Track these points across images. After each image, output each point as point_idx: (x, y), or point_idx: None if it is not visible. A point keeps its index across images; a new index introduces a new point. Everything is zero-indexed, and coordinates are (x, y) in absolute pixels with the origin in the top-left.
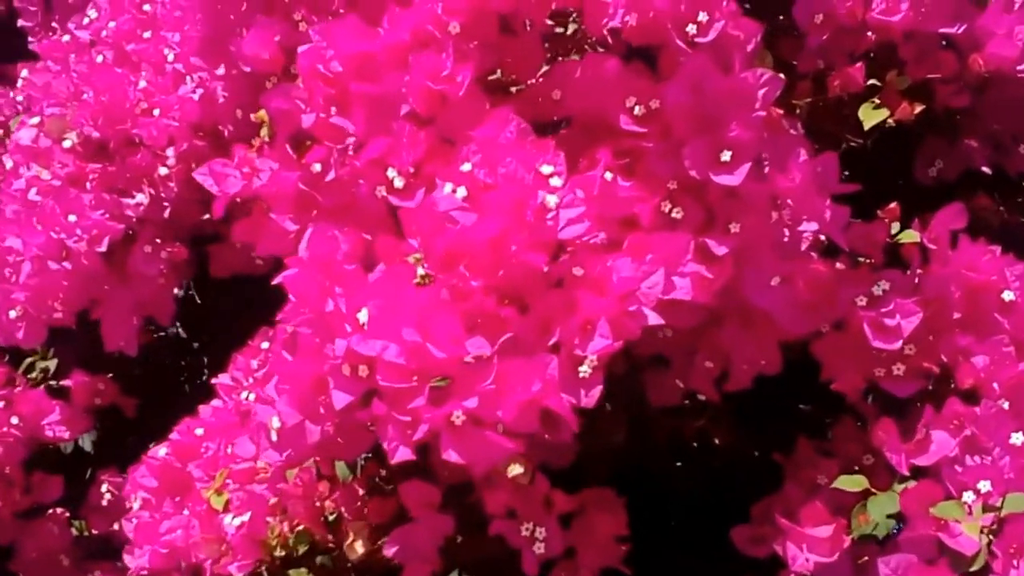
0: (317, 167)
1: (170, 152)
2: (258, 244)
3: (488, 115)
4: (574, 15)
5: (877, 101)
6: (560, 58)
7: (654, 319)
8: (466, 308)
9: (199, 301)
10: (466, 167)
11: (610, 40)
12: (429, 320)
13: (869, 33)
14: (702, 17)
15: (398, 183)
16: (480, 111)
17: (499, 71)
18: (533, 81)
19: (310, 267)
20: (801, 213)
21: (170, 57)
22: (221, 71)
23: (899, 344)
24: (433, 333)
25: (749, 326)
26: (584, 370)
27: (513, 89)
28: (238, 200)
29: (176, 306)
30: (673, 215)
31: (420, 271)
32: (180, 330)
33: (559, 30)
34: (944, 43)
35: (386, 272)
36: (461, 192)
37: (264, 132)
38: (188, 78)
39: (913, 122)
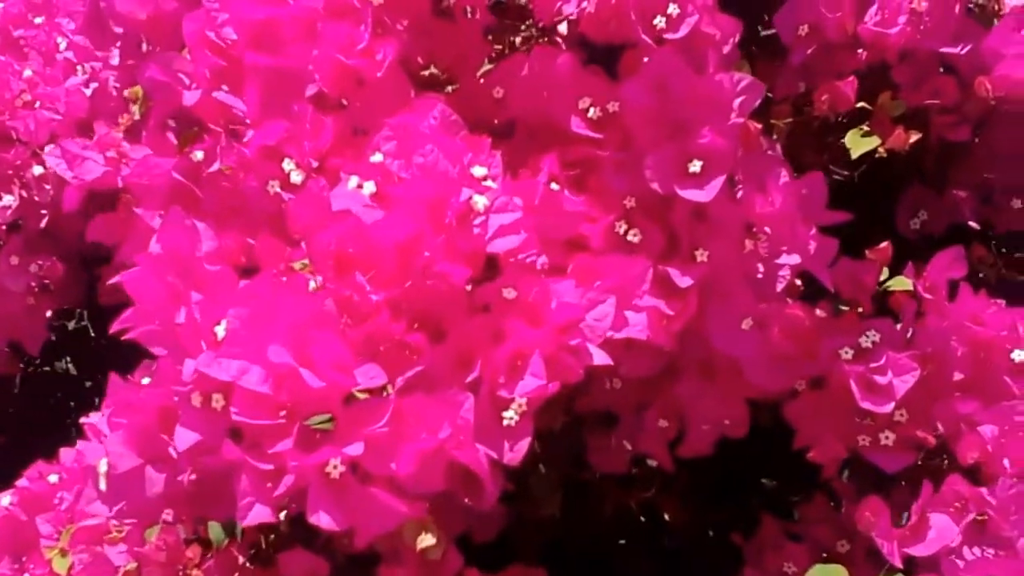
0: (198, 155)
1: (48, 150)
2: (121, 247)
3: (411, 102)
4: (524, 3)
5: (866, 128)
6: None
7: (600, 358)
8: (361, 328)
9: (93, 334)
10: (377, 157)
11: (563, 38)
12: (307, 338)
13: (860, 51)
14: (672, 10)
15: (295, 177)
16: (402, 97)
17: (431, 66)
18: (472, 79)
19: (160, 265)
20: (780, 243)
21: (62, 45)
22: (115, 59)
23: (891, 406)
24: (312, 355)
25: (712, 378)
26: (510, 416)
27: (449, 88)
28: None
29: (66, 339)
30: (629, 238)
31: (312, 284)
32: (71, 366)
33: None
34: (943, 67)
35: (259, 276)
36: (368, 187)
37: (136, 109)
38: (79, 68)
39: (900, 161)
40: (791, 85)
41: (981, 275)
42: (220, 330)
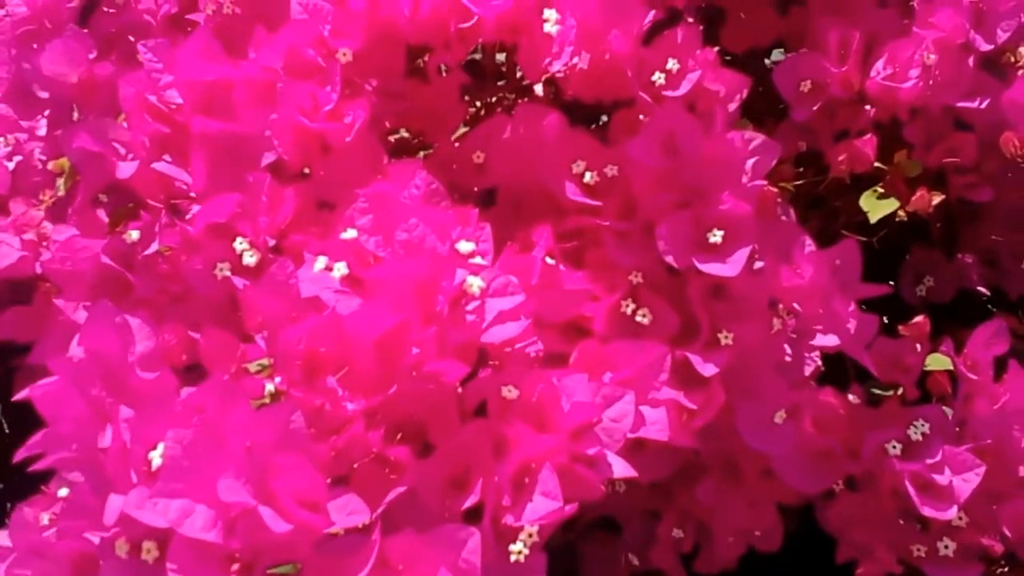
0: (133, 235)
1: None
2: (37, 346)
3: (386, 170)
4: (502, 63)
5: (881, 189)
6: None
7: (622, 469)
8: (331, 441)
9: (7, 430)
10: (350, 234)
11: (540, 98)
12: (268, 465)
13: (867, 107)
14: (672, 65)
15: (249, 259)
16: (374, 163)
17: (401, 130)
18: (447, 143)
19: (82, 373)
20: (813, 322)
21: None
22: (42, 130)
23: (954, 511)
24: (274, 487)
25: (737, 479)
26: (518, 550)
27: (421, 153)
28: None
29: None
30: (638, 319)
31: (269, 387)
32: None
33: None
34: (956, 122)
35: (206, 384)
36: (340, 269)
37: (61, 184)
38: (1, 140)
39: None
40: (792, 144)
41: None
42: (156, 456)
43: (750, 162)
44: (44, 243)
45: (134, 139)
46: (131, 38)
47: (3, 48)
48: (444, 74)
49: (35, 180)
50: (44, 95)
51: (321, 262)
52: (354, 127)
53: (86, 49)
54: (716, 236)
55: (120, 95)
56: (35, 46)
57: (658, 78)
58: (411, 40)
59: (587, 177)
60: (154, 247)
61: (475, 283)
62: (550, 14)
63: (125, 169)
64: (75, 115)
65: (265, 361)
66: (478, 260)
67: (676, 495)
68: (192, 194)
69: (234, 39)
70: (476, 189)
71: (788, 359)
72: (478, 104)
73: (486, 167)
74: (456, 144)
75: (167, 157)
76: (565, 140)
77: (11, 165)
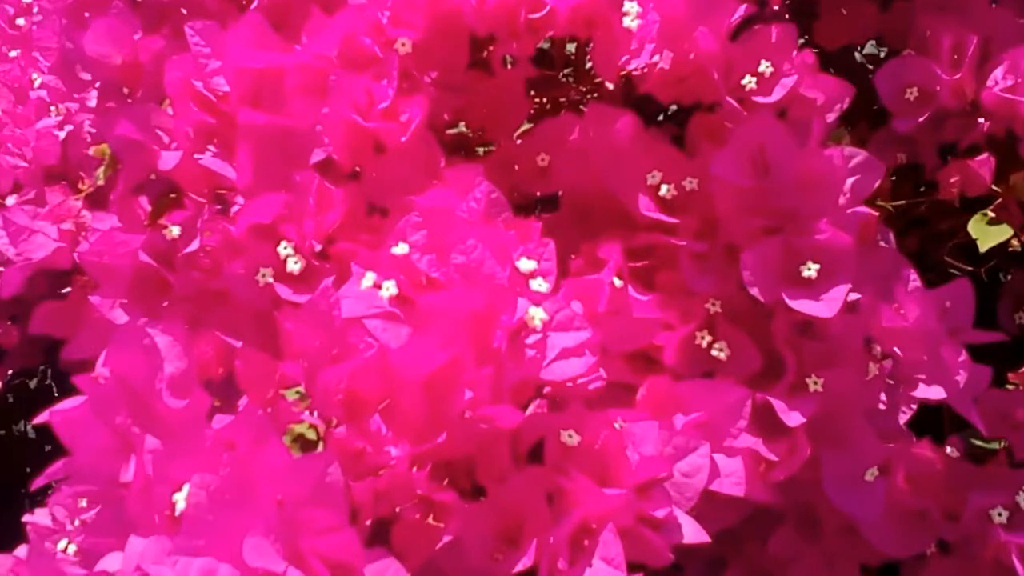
0: (174, 231)
1: (11, 201)
2: (71, 343)
3: (443, 175)
4: (572, 53)
5: (991, 213)
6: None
7: (694, 534)
8: (375, 484)
9: (57, 394)
10: (401, 248)
11: (621, 89)
12: (300, 521)
13: (981, 120)
14: (765, 68)
15: (293, 265)
16: (431, 167)
17: (460, 124)
18: (509, 141)
19: (106, 400)
20: (915, 369)
21: (37, 82)
22: (92, 102)
23: None
24: (304, 547)
25: (816, 533)
26: None
27: (480, 150)
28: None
29: (26, 398)
30: (714, 352)
31: (304, 424)
32: (29, 428)
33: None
34: None
35: (239, 417)
36: (389, 288)
37: (101, 173)
38: (53, 109)
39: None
40: (890, 155)
41: None
42: (180, 500)
43: (850, 181)
44: (83, 233)
45: (178, 128)
46: (183, 11)
47: (54, 16)
48: (509, 66)
49: (84, 153)
50: (87, 76)
51: (369, 279)
52: (411, 127)
53: (131, 29)
54: (810, 270)
55: (165, 80)
56: (87, 15)
57: (748, 82)
58: (476, 31)
59: (663, 190)
60: (195, 245)
61: (537, 315)
62: (631, 7)
63: (168, 160)
64: (125, 91)
65: (302, 388)
66: (540, 282)
67: (745, 543)
68: (236, 190)
69: (289, 18)
70: (538, 194)
71: (883, 408)
72: (543, 100)
73: (550, 171)
74: (518, 142)
75: (212, 147)
76: (640, 146)
77: (62, 134)
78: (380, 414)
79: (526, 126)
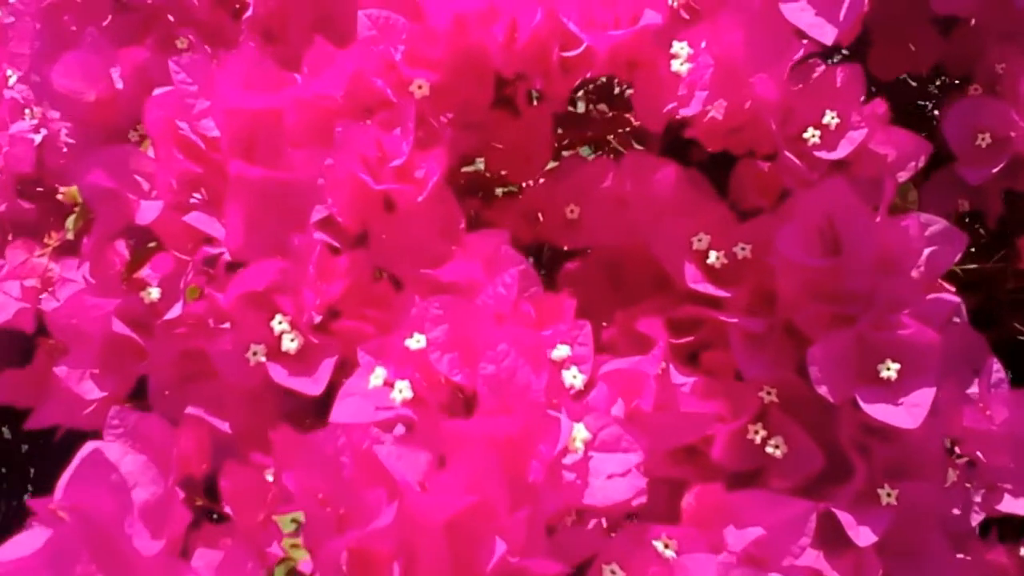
0: (153, 294)
1: None
2: (36, 414)
3: (463, 239)
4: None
5: None
6: (572, 150)
7: None
8: None
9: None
10: (417, 341)
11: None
12: None
13: None
14: (830, 119)
15: (289, 343)
16: (450, 230)
17: (477, 161)
18: (534, 185)
19: (62, 543)
20: (999, 477)
21: (11, 80)
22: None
23: None
24: None
25: None
26: None
27: (499, 190)
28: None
29: None
30: (768, 449)
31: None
32: (5, 430)
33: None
34: None
35: (225, 562)
36: (403, 390)
37: (71, 224)
38: (28, 112)
39: None
40: (950, 202)
41: None
42: None
43: (926, 252)
44: (49, 289)
45: (159, 178)
46: (170, 17)
47: (28, 21)
48: (535, 102)
49: (61, 163)
50: (55, 115)
51: (379, 375)
52: (427, 185)
53: (107, 62)
54: (890, 370)
55: (146, 119)
56: (64, 19)
57: (812, 136)
58: (503, 71)
59: (712, 258)
60: (176, 311)
61: (579, 435)
62: (680, 48)
63: (147, 212)
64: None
65: (300, 516)
66: (575, 374)
67: None
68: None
69: (286, 32)
70: (566, 248)
71: (956, 514)
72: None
73: (580, 224)
74: (542, 184)
75: (197, 195)
76: (684, 203)
77: (37, 138)
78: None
79: (551, 164)
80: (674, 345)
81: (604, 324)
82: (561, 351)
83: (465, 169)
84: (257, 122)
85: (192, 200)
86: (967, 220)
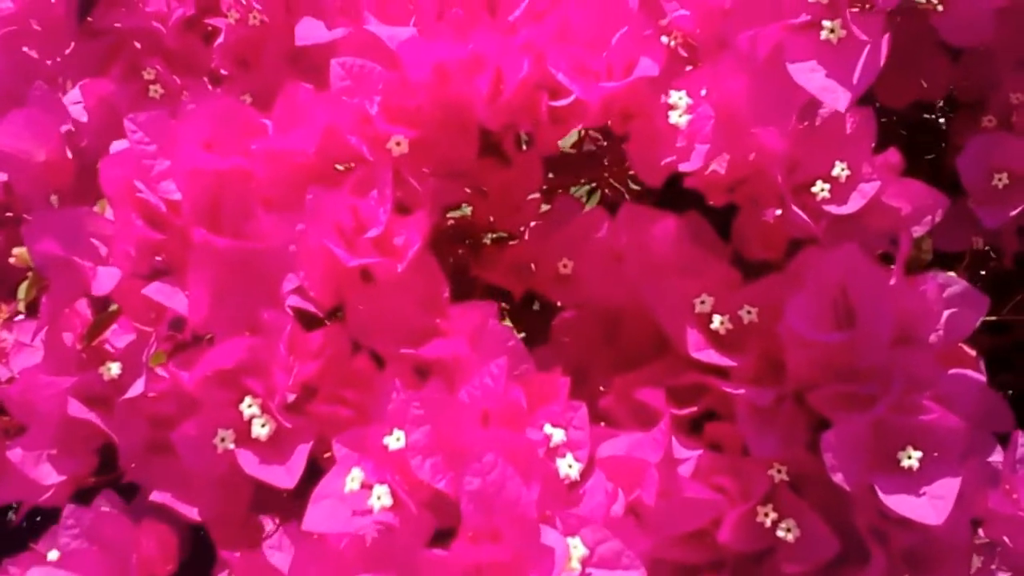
0: (113, 370)
1: None
2: None
3: (449, 313)
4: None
5: None
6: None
7: None
8: None
9: None
10: (396, 440)
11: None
12: None
13: None
14: (840, 170)
15: (259, 429)
16: (434, 301)
17: (463, 206)
18: (524, 234)
19: None
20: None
21: None
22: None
23: None
24: None
25: None
26: None
27: (488, 237)
28: None
29: None
30: (779, 533)
31: None
32: None
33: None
34: None
35: None
36: (381, 496)
37: (22, 292)
38: None
39: None
40: (963, 239)
41: None
42: None
43: (946, 314)
44: (2, 360)
45: (117, 246)
46: (137, 44)
47: None
48: (524, 146)
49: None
50: (1, 177)
51: (356, 478)
52: (408, 254)
53: (57, 119)
54: (911, 459)
55: (101, 178)
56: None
57: (821, 190)
58: (489, 125)
59: (715, 322)
60: (138, 389)
61: (576, 554)
62: (679, 99)
63: (104, 281)
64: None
65: None
66: (570, 462)
67: None
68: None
69: (261, 58)
70: (559, 303)
71: None
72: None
73: (574, 279)
74: (533, 233)
75: (159, 258)
76: (684, 260)
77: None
78: None
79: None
80: (676, 415)
81: (601, 388)
82: (555, 436)
83: (451, 214)
84: (222, 182)
85: (154, 266)
86: (981, 255)
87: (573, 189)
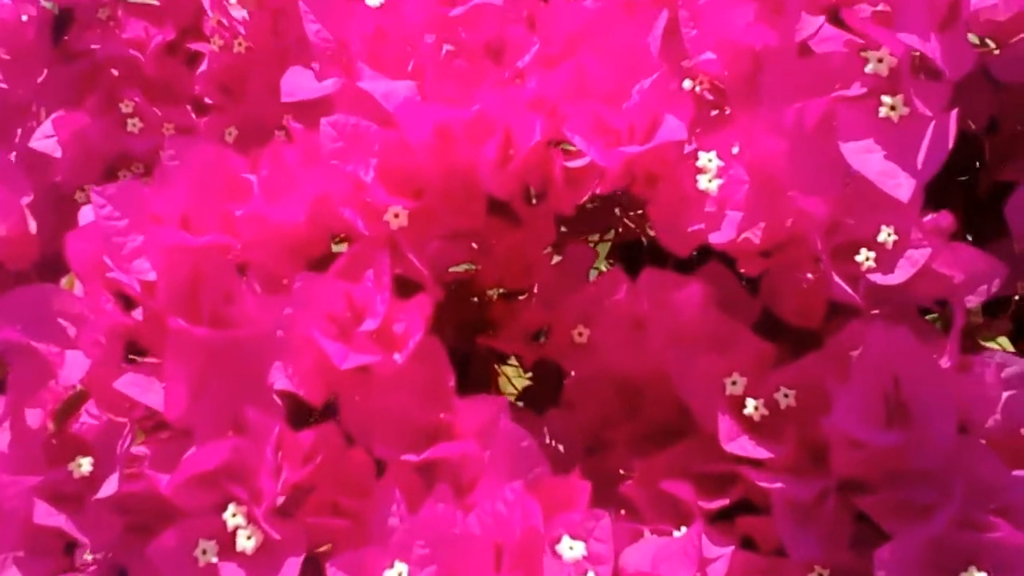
0: (83, 466)
1: None
2: None
3: (454, 403)
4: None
5: None
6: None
7: None
8: None
9: None
10: (397, 574)
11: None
12: None
13: None
14: (886, 236)
15: (245, 541)
16: (438, 393)
17: (469, 264)
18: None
19: None
20: None
21: None
22: None
23: None
24: None
25: None
26: None
27: (494, 292)
28: None
29: None
30: None
31: None
32: None
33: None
34: None
35: None
36: None
37: None
38: None
39: None
40: (1007, 285)
41: None
42: None
43: (1004, 396)
44: None
45: (84, 335)
46: (114, 72)
47: None
48: (534, 200)
49: None
50: None
51: None
52: (409, 343)
53: (19, 192)
54: None
55: (68, 254)
56: None
57: (865, 258)
58: (497, 194)
59: (749, 407)
60: (111, 488)
61: None
62: (708, 162)
63: (72, 369)
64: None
65: None
66: None
67: None
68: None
69: (247, 85)
70: (572, 372)
71: None
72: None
73: (591, 348)
74: (544, 294)
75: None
76: (712, 333)
77: None
78: None
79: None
80: (706, 511)
81: (621, 472)
82: (574, 548)
83: (453, 269)
84: (201, 261)
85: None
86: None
87: None
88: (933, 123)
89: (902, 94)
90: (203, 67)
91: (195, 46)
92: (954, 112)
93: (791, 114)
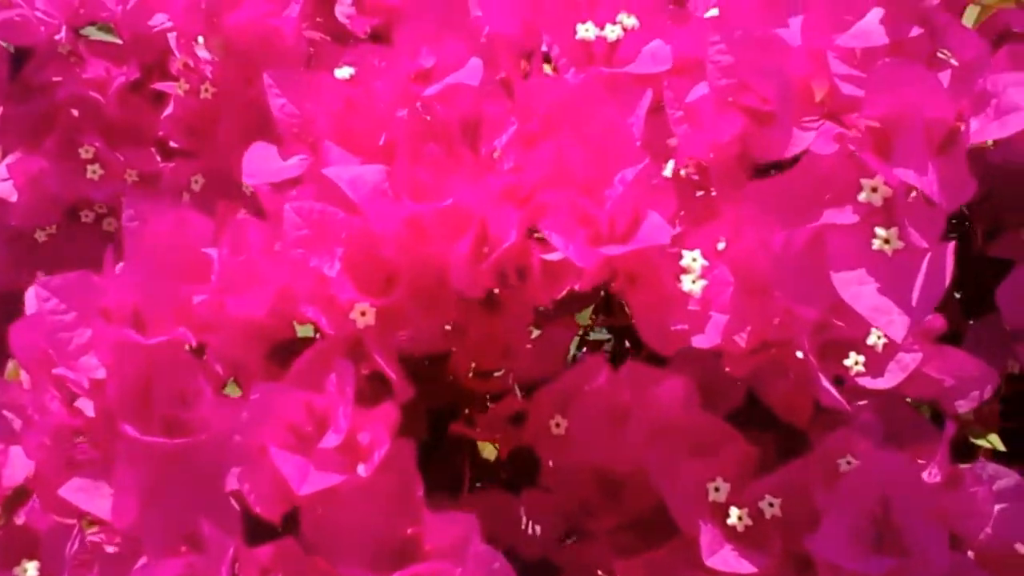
0: (29, 571)
1: None
2: None
3: (425, 519)
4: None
5: None
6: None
7: None
8: None
9: None
10: None
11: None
12: None
13: None
14: (876, 339)
15: None
16: (407, 508)
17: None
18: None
19: None
20: None
21: None
22: None
23: None
24: None
25: None
26: None
27: (471, 370)
28: None
29: None
30: None
31: None
32: None
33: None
34: None
35: None
36: None
37: None
38: None
39: None
40: (998, 362)
41: None
42: None
43: (997, 509)
44: None
45: (30, 438)
46: (74, 112)
47: None
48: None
49: None
50: None
51: None
52: (374, 457)
53: None
54: None
55: (12, 346)
56: None
57: (854, 362)
58: (469, 293)
59: (733, 517)
60: None
61: None
62: (692, 261)
63: (14, 470)
64: None
65: None
66: None
67: None
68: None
69: (213, 133)
70: (551, 463)
71: None
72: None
73: (568, 441)
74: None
75: (81, 447)
76: (695, 433)
77: None
78: None
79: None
80: None
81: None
82: None
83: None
84: (155, 359)
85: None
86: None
87: None
88: (929, 256)
89: (896, 227)
90: (169, 110)
91: (160, 86)
92: (951, 244)
93: (779, 240)
